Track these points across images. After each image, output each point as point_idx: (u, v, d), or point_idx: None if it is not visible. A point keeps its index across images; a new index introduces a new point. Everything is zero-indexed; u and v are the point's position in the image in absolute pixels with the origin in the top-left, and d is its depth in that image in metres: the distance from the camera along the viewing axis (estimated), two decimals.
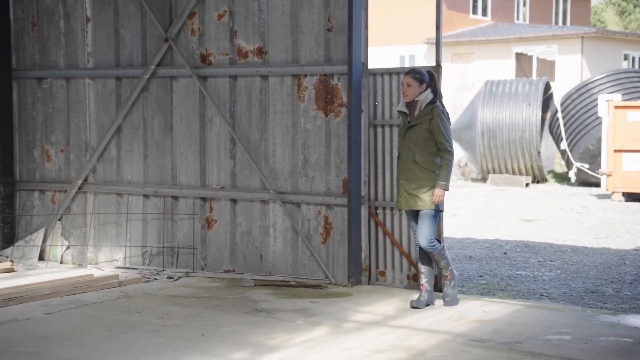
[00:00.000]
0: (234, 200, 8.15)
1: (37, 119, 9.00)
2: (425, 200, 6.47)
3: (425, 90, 6.56)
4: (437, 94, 6.63)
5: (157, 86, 8.45)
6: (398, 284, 7.49)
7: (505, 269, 8.72)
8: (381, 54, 27.44)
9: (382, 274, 7.58)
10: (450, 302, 6.69)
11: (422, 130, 6.48)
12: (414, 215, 6.63)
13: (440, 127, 6.45)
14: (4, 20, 8.85)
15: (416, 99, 6.55)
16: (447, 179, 6.46)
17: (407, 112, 6.62)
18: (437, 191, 6.43)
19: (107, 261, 8.65)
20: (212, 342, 5.61)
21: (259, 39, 7.97)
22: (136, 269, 8.34)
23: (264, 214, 8.02)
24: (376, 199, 7.57)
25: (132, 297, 7.09)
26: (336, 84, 7.64)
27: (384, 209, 7.55)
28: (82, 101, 8.81)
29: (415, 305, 6.57)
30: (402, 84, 6.60)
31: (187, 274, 8.10)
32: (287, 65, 7.83)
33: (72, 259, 8.82)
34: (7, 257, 8.71)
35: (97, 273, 8.15)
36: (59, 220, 8.86)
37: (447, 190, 6.49)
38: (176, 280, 7.87)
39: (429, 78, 6.61)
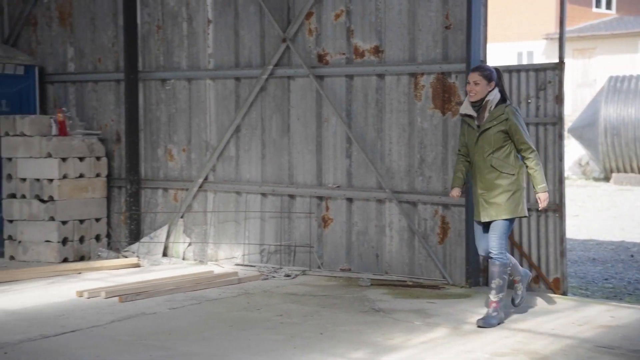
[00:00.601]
0: (349, 199, 8.17)
1: (161, 119, 9.31)
2: (507, 208, 5.93)
3: (493, 89, 6.00)
4: (505, 94, 6.10)
5: (274, 86, 8.58)
6: None
7: (632, 273, 8.35)
8: (498, 51, 26.87)
9: None
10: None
11: (497, 132, 5.93)
12: (488, 224, 6.06)
13: (518, 127, 5.92)
14: (132, 24, 9.21)
15: (485, 99, 5.99)
16: (544, 179, 6.00)
17: (474, 114, 6.03)
18: (543, 196, 5.94)
19: (227, 258, 8.85)
20: (330, 340, 5.64)
21: (376, 38, 7.95)
22: (254, 266, 8.50)
23: (380, 213, 8.00)
24: None
25: (251, 295, 7.22)
26: (454, 83, 7.52)
27: None
28: (202, 101, 9.05)
29: (482, 325, 5.93)
30: (469, 82, 6.02)
31: (304, 272, 8.18)
32: (404, 64, 7.77)
33: (193, 255, 9.08)
34: (134, 252, 9.06)
35: (217, 270, 8.36)
36: (181, 217, 9.13)
37: (547, 191, 6.03)
38: (293, 278, 7.96)
39: (496, 76, 6.06)
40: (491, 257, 6.03)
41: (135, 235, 9.30)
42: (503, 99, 6.04)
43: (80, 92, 9.76)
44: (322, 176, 8.32)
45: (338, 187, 8.22)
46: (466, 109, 6.07)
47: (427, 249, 7.68)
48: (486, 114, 5.97)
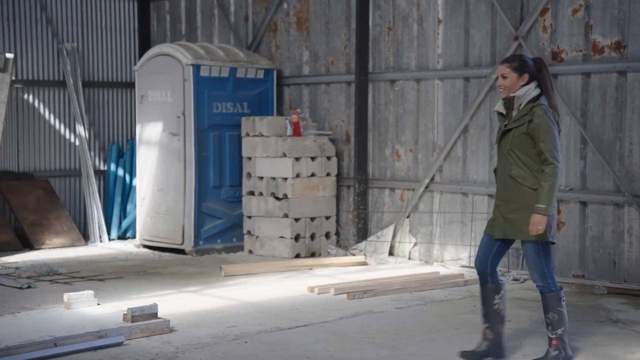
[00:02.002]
0: (583, 203, 7.77)
1: (389, 120, 9.43)
2: (525, 227, 4.89)
3: (527, 83, 4.93)
4: (546, 90, 4.94)
5: None
6: None
7: None
8: None
9: None
10: None
11: (519, 135, 4.88)
12: (504, 242, 5.07)
13: (541, 131, 4.80)
14: (364, 27, 9.41)
15: (513, 94, 4.95)
16: (549, 199, 4.78)
17: (504, 112, 5.05)
18: (535, 218, 4.78)
19: (452, 259, 8.77)
20: None
21: (617, 33, 7.49)
22: None
23: (618, 218, 7.53)
24: None
25: (477, 297, 7.02)
26: None
27: None
28: (430, 102, 9.04)
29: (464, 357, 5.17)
30: (498, 76, 5.05)
31: None
32: None
33: (419, 255, 9.10)
34: (361, 250, 9.26)
35: (442, 271, 8.32)
36: (407, 217, 9.19)
37: (548, 215, 4.80)
38: (522, 282, 7.73)
39: (535, 68, 4.96)
40: (540, 290, 5.05)
41: (363, 234, 9.50)
42: (538, 97, 4.92)
43: (313, 93, 10.15)
44: None
45: (570, 189, 7.86)
46: (498, 106, 5.10)
47: None
48: (514, 113, 4.96)
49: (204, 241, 9.71)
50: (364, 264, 8.86)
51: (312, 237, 9.55)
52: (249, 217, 9.73)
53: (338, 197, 9.81)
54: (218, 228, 9.82)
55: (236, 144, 9.89)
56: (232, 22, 10.89)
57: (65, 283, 7.74)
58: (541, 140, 4.82)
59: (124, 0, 11.43)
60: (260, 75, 10.09)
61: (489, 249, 5.08)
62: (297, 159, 9.42)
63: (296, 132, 9.56)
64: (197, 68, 9.59)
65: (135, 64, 10.84)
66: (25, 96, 10.66)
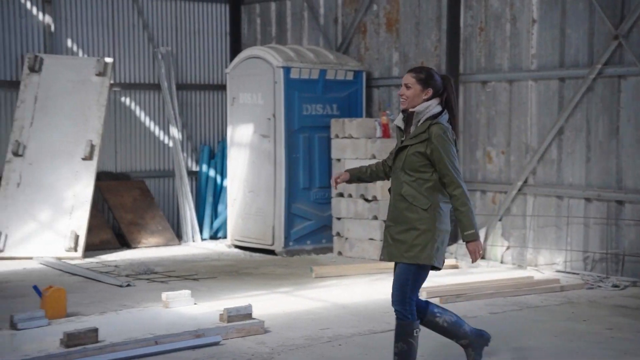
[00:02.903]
0: None
1: (480, 122, 9.30)
2: (411, 250, 4.48)
3: (430, 98, 4.53)
4: (450, 110, 4.57)
5: (602, 86, 8.14)
6: None
7: None
8: None
9: None
10: None
11: (414, 153, 4.49)
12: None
13: (441, 153, 4.43)
14: (455, 28, 9.31)
15: (412, 109, 4.55)
16: (472, 224, 4.44)
17: (402, 127, 4.64)
18: (470, 246, 4.46)
19: (547, 264, 8.59)
20: None
21: None
22: (577, 274, 8.14)
23: None
24: None
25: (575, 304, 6.93)
26: None
27: None
28: (524, 103, 8.87)
29: None
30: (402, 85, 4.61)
31: (635, 283, 7.65)
32: None
33: (511, 259, 8.94)
34: (452, 253, 9.16)
35: (537, 276, 8.15)
36: (499, 220, 9.04)
37: (478, 238, 4.48)
38: (622, 289, 7.50)
39: (441, 85, 4.56)
40: (396, 316, 4.64)
41: (453, 237, 9.38)
42: (437, 115, 4.53)
43: None
44: None
45: None
46: (398, 119, 4.68)
47: None
48: (412, 128, 4.57)
49: (294, 242, 9.80)
50: (455, 267, 8.77)
51: None
52: (338, 218, 9.76)
53: None
54: (308, 229, 9.90)
55: (325, 146, 9.94)
56: (321, 24, 10.95)
57: (162, 282, 7.94)
58: (442, 163, 4.45)
59: (216, 4, 11.65)
60: (350, 76, 10.12)
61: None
62: None
63: (385, 134, 9.54)
64: (287, 70, 9.69)
65: (226, 66, 11.04)
66: (123, 99, 11.00)
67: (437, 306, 4.82)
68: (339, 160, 9.78)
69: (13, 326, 5.67)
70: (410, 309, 4.57)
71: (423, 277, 4.58)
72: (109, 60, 9.94)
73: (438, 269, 4.57)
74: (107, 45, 10.81)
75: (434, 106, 4.52)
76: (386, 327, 6.17)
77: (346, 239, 9.67)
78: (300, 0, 11.15)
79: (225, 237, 10.89)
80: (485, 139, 9.27)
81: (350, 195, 9.64)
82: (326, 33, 10.88)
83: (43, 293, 6.18)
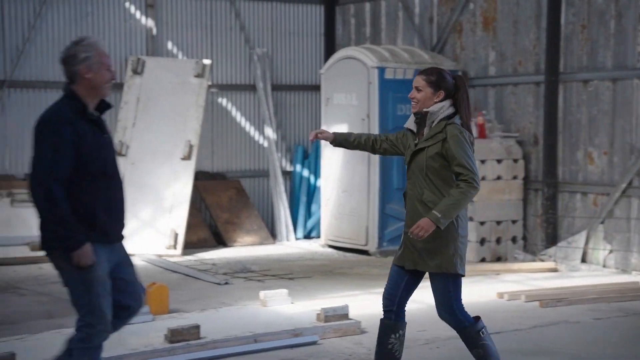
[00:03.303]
0: None
1: (581, 121, 9.04)
2: (438, 259, 4.37)
3: (442, 100, 4.40)
4: (461, 110, 4.41)
5: None
6: None
7: None
8: None
9: None
10: None
11: (432, 156, 4.35)
12: (414, 275, 4.51)
13: (457, 152, 4.28)
14: (556, 25, 9.08)
15: (426, 109, 4.42)
16: (447, 212, 4.21)
17: (414, 129, 4.51)
18: (424, 221, 4.24)
19: None
20: None
21: None
22: None
23: None
24: None
25: None
26: None
27: None
28: (628, 102, 8.57)
29: None
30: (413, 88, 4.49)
31: None
32: None
33: (614, 263, 8.65)
34: (550, 256, 8.95)
35: None
36: (601, 223, 8.76)
37: (441, 227, 4.25)
38: None
39: (452, 86, 4.43)
40: (455, 329, 4.54)
41: (552, 239, 9.16)
42: (452, 115, 4.39)
43: (499, 95, 9.92)
44: None
45: None
46: (409, 122, 4.55)
47: None
48: (425, 131, 4.45)
49: (388, 242, 9.76)
50: (554, 270, 8.55)
51: (498, 241, 9.34)
52: None
53: (525, 201, 9.53)
54: (401, 230, 9.79)
55: None
56: (416, 24, 10.87)
57: (259, 281, 8.05)
58: (458, 161, 4.29)
59: (311, 5, 11.73)
60: None
61: (398, 282, 4.54)
62: (482, 161, 9.25)
63: (481, 134, 9.39)
64: (381, 70, 9.66)
65: (321, 67, 11.10)
66: (219, 100, 11.21)
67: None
68: None
69: None
70: (462, 316, 4.46)
71: (458, 283, 4.49)
72: (207, 62, 10.15)
73: (462, 276, 4.46)
74: (205, 47, 11.04)
75: (447, 107, 4.41)
76: (490, 330, 6.06)
77: None
78: (395, 0, 11.10)
79: (318, 236, 10.95)
80: (586, 139, 9.00)
81: None
82: (421, 33, 10.79)
83: (147, 289, 6.36)
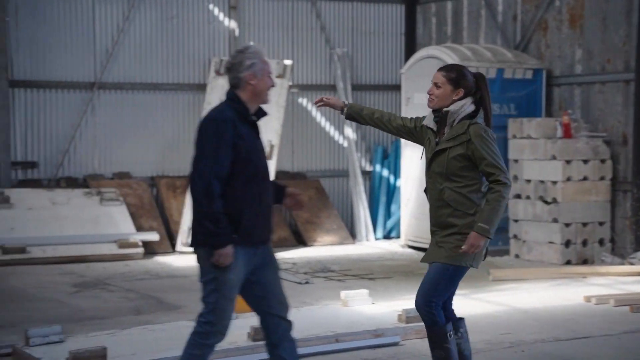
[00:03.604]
0: None
1: None
2: (452, 251, 4.22)
3: (462, 98, 4.27)
4: (484, 109, 4.29)
5: None
6: None
7: None
8: None
9: None
10: None
11: (455, 157, 4.23)
12: None
13: (483, 152, 4.17)
14: None
15: (446, 109, 4.28)
16: (492, 221, 4.15)
17: (434, 128, 4.35)
18: (473, 236, 4.14)
19: None
20: None
21: None
22: None
23: None
24: None
25: None
26: None
27: None
28: None
29: None
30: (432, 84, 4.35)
31: None
32: None
33: None
34: None
35: None
36: None
37: (490, 237, 4.16)
38: None
39: (473, 84, 4.29)
40: (424, 322, 4.38)
41: None
42: (473, 114, 4.27)
43: (586, 93, 9.65)
44: None
45: None
46: (428, 120, 4.39)
47: None
48: (446, 130, 4.31)
49: None
50: None
51: (584, 243, 9.10)
52: (516, 220, 9.48)
53: (613, 203, 9.25)
54: None
55: (502, 146, 9.64)
56: (499, 22, 10.68)
57: (339, 280, 8.06)
58: (488, 161, 4.18)
59: (391, 5, 11.68)
60: (529, 75, 9.81)
61: None
62: (567, 161, 9.03)
63: (567, 134, 9.17)
64: None
65: (401, 67, 11.03)
66: (300, 100, 11.28)
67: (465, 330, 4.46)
68: (516, 161, 9.50)
69: None
70: (437, 312, 4.33)
71: (457, 280, 4.35)
72: (288, 62, 10.22)
73: (469, 267, 4.31)
74: (287, 47, 11.12)
75: (467, 105, 4.29)
76: (572, 334, 5.92)
77: (524, 241, 9.37)
78: None
79: (398, 236, 10.89)
80: None
81: (528, 197, 9.34)
82: (504, 31, 10.60)
83: None
